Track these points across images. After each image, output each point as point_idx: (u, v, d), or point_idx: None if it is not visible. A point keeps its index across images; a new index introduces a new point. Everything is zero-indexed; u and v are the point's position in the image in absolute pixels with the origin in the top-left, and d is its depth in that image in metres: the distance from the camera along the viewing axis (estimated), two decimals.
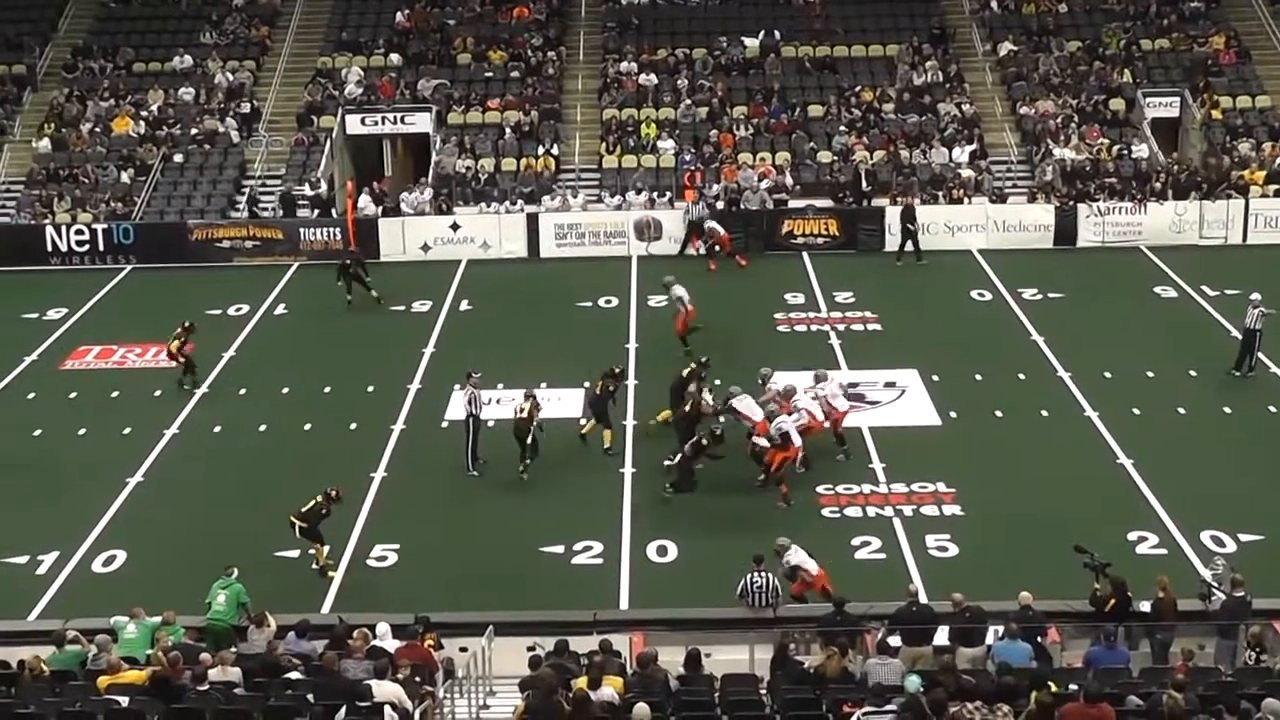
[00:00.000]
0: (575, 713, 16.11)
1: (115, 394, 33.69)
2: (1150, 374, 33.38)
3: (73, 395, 33.76)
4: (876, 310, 38.00)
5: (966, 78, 50.55)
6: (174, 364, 34.03)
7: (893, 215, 43.57)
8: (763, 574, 22.45)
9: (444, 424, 31.35)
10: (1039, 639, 19.86)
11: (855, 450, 29.30)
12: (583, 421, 30.45)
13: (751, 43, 51.97)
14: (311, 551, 25.33)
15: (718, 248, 42.39)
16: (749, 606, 22.26)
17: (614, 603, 23.75)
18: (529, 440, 28.50)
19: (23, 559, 26.09)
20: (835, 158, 47.04)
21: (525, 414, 28.69)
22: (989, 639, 20.02)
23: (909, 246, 42.29)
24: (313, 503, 25.20)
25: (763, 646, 20.24)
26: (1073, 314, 37.70)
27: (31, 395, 34.15)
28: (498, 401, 31.68)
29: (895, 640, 19.67)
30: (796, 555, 23.23)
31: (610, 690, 16.87)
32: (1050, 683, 16.60)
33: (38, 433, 31.82)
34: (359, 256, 41.00)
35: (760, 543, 25.17)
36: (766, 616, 21.78)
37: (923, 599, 21.73)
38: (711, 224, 42.68)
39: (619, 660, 19.23)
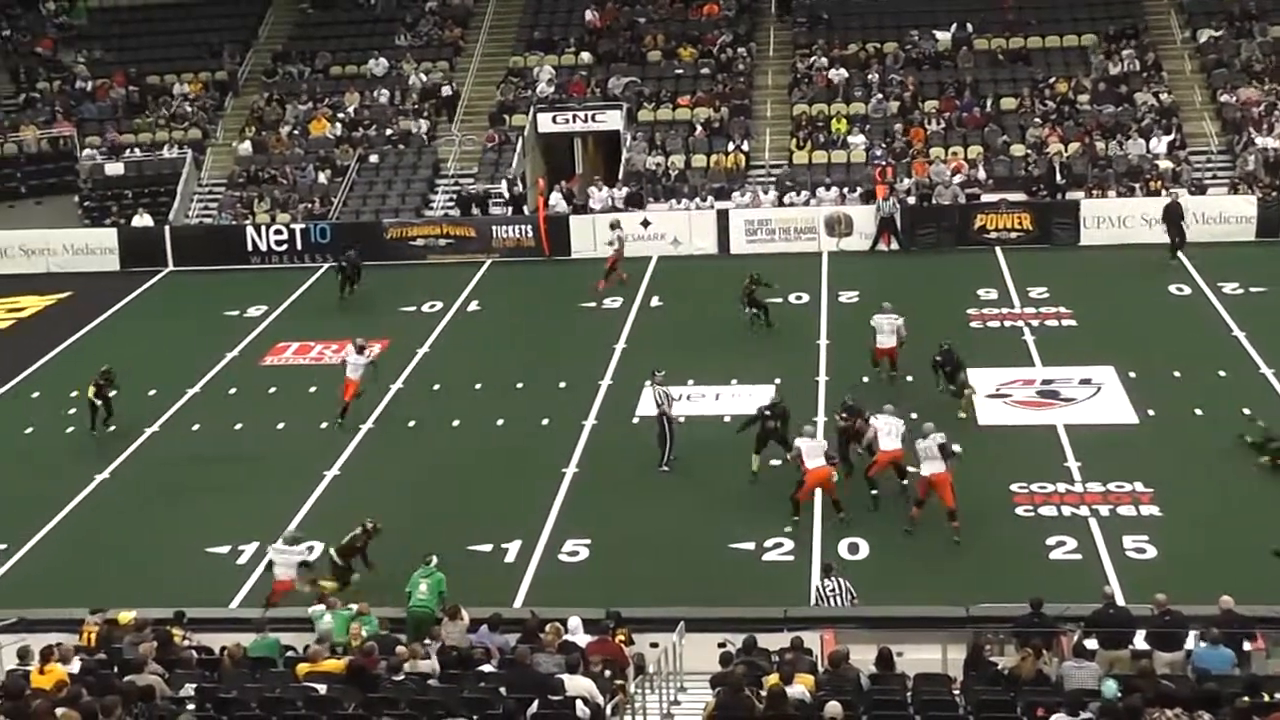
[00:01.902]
0: (769, 708, 16.06)
1: (313, 389, 34.35)
2: None
3: (272, 390, 34.53)
4: (1071, 306, 37.29)
5: (1164, 66, 49.42)
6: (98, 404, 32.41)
7: (1115, 208, 43.12)
8: (834, 578, 22.65)
9: (635, 420, 31.47)
10: (1244, 646, 19.33)
11: (1051, 448, 28.89)
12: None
13: (943, 36, 51.43)
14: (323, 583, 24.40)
15: (612, 264, 41.08)
16: None
17: (805, 600, 23.58)
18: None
19: (224, 549, 26.77)
20: (1029, 151, 46.33)
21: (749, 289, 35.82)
22: (1188, 644, 19.53)
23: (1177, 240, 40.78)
24: (350, 535, 24.82)
25: (955, 646, 19.98)
26: (1276, 308, 36.58)
27: (233, 390, 35.00)
28: (687, 398, 31.74)
29: (1091, 643, 19.28)
30: (300, 554, 24.15)
31: (802, 688, 16.77)
32: (1264, 692, 16.11)
33: (238, 426, 32.60)
34: (357, 261, 41.03)
35: (948, 543, 25.05)
36: (959, 615, 21.45)
37: (1119, 601, 21.29)
38: (619, 232, 41.66)
39: (810, 658, 19.13)
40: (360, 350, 32.30)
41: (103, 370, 32.63)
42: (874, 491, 26.71)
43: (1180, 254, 40.36)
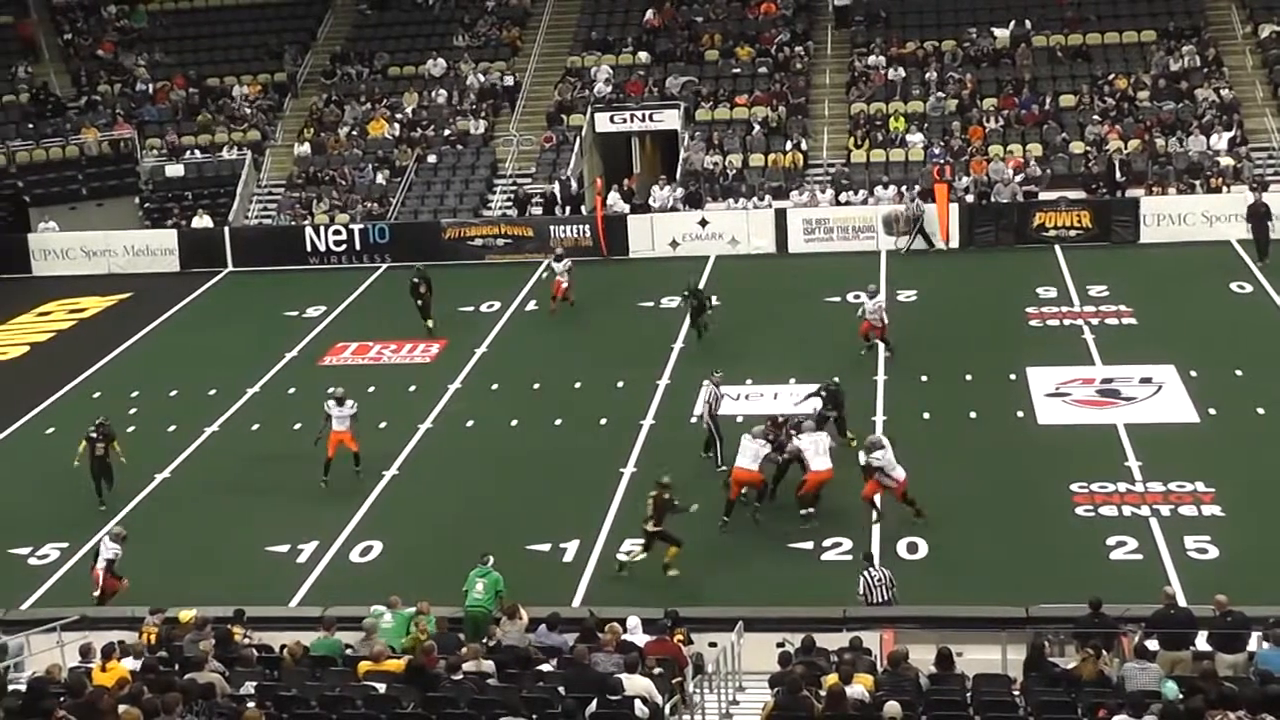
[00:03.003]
0: (828, 708, 16.02)
1: (371, 389, 34.42)
2: None
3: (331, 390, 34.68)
4: (1131, 304, 37.05)
5: (1225, 61, 49.00)
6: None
7: (1175, 205, 42.72)
8: (877, 568, 22.83)
9: (693, 419, 31.41)
10: None
11: (1112, 447, 28.67)
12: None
13: (1001, 33, 51.15)
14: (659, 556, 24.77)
15: (560, 293, 39.53)
16: (870, 604, 22.35)
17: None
18: None
19: (284, 548, 26.93)
20: (1088, 148, 46.00)
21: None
22: (1251, 645, 19.35)
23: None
24: (649, 505, 24.62)
25: (1015, 647, 19.87)
26: None
27: (292, 390, 35.18)
28: (745, 397, 31.69)
29: (1153, 644, 19.13)
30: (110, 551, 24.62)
31: (861, 688, 16.72)
32: None
33: (298, 426, 32.63)
34: (426, 274, 38.70)
35: (1007, 543, 24.90)
36: (1019, 615, 21.32)
37: (1181, 602, 21.11)
38: (565, 263, 39.97)
39: (869, 658, 19.07)
40: (340, 402, 29.66)
41: (98, 422, 29.66)
42: (804, 511, 26.47)
43: (1264, 255, 39.83)
